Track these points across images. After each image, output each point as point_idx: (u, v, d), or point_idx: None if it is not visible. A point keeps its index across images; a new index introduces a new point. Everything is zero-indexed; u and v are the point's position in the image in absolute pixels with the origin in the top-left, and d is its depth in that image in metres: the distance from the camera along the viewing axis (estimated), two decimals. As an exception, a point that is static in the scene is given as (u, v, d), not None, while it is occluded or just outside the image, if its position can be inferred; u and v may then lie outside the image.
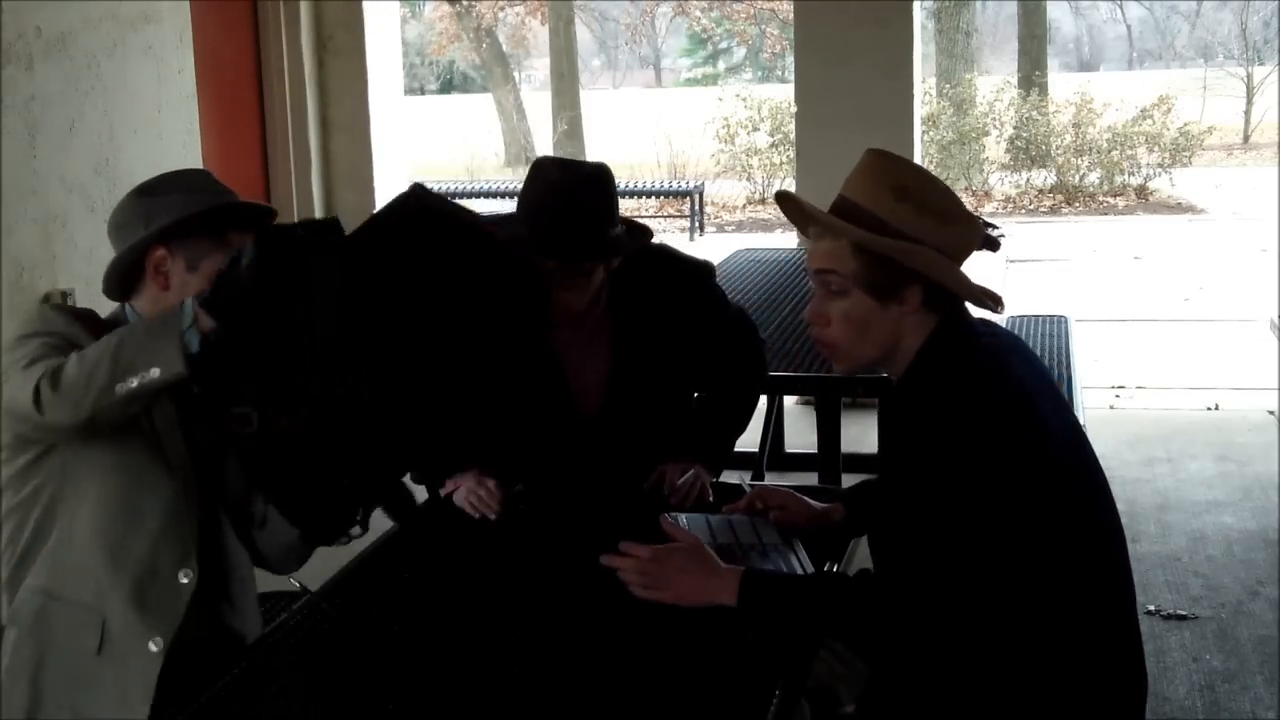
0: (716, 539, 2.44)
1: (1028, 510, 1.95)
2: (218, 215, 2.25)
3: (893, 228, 2.02)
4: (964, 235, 2.07)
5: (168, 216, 2.24)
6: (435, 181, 14.68)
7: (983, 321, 2.14)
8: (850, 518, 2.46)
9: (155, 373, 2.03)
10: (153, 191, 2.31)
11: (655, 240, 2.82)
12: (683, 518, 2.51)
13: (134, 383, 2.03)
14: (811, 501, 2.48)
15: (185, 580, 2.23)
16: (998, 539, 1.94)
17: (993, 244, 2.14)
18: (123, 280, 2.34)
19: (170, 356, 2.02)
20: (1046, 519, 1.97)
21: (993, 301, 2.09)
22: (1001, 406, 1.98)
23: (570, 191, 2.58)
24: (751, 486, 2.58)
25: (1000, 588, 1.96)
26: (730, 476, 2.91)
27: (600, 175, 2.63)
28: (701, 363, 2.87)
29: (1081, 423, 3.95)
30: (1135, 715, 2.11)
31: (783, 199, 2.18)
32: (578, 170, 2.64)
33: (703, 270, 2.88)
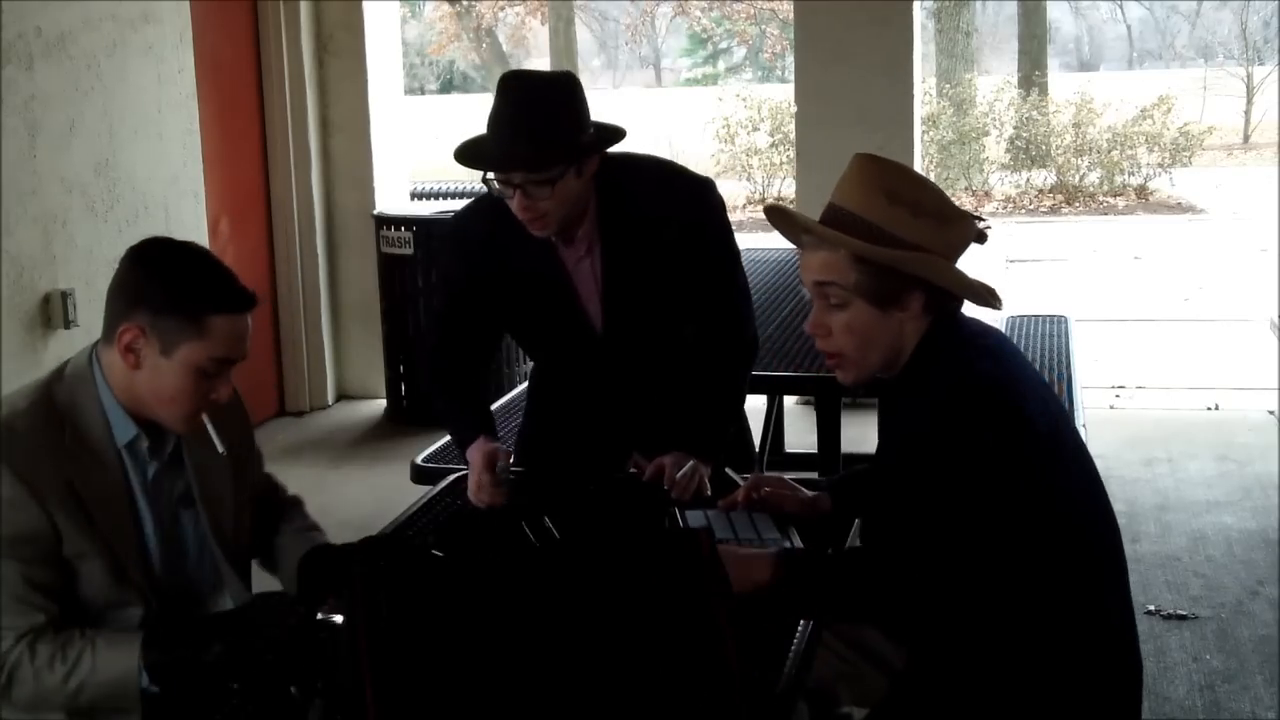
0: (716, 534, 2.44)
1: (1013, 496, 1.95)
2: (197, 295, 2.09)
3: (890, 234, 2.00)
4: (960, 234, 2.07)
5: (150, 290, 2.10)
6: (435, 181, 14.67)
7: (974, 321, 2.15)
8: (836, 508, 2.47)
9: (110, 704, 2.03)
10: (146, 264, 2.15)
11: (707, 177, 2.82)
12: (683, 512, 2.52)
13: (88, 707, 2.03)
14: (802, 490, 2.49)
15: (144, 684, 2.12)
16: (982, 519, 1.95)
17: (981, 237, 2.14)
18: (104, 331, 2.18)
19: (126, 698, 2.01)
20: (1030, 503, 1.97)
21: (992, 298, 2.09)
22: (992, 397, 1.98)
23: (523, 101, 2.55)
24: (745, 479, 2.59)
25: (988, 574, 1.97)
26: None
27: (556, 82, 2.61)
28: (694, 281, 2.79)
29: (1081, 423, 3.98)
30: (1131, 705, 2.12)
31: (773, 212, 2.15)
32: (532, 79, 2.65)
33: (696, 182, 2.81)
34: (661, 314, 2.80)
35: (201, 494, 2.24)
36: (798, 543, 2.41)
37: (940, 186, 2.10)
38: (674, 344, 2.85)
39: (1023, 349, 4.93)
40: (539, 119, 2.54)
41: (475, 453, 2.69)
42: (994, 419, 1.95)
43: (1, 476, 2.02)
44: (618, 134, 2.68)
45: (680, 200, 2.75)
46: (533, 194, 2.55)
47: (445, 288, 2.87)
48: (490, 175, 2.59)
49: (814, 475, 4.21)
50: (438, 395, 2.87)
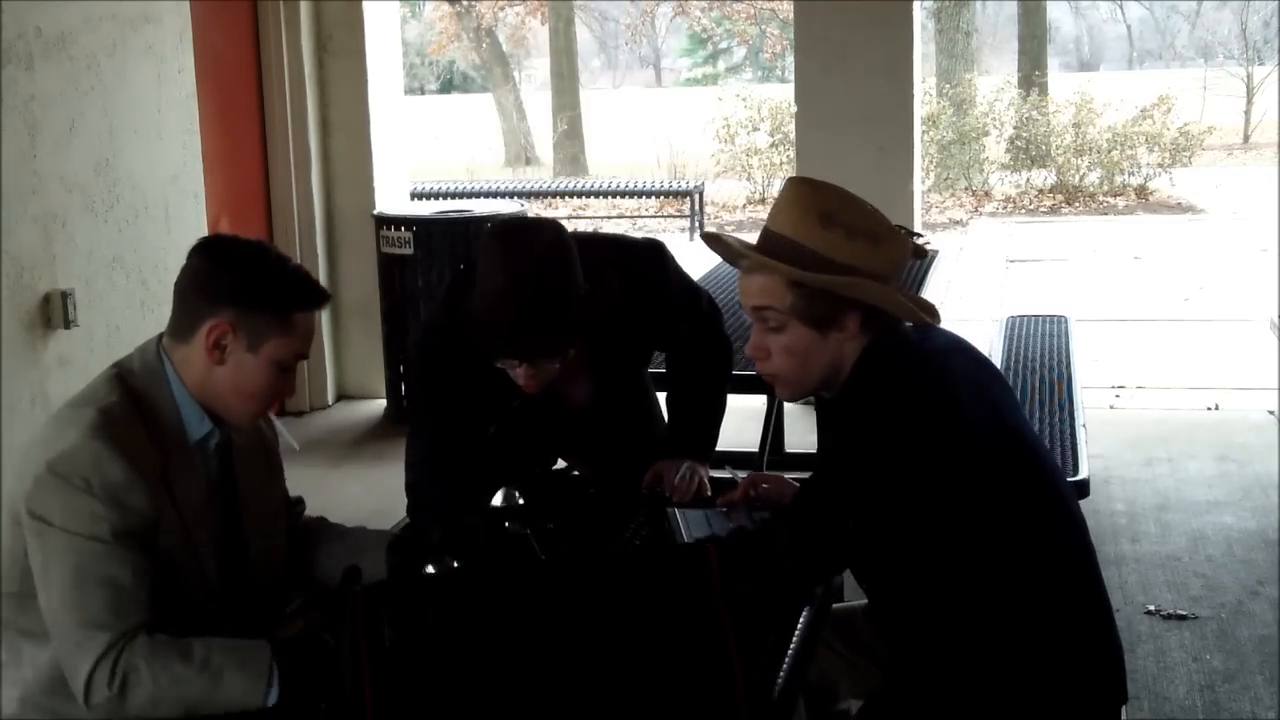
0: (716, 534, 2.45)
1: (942, 503, 1.99)
2: (285, 292, 2.12)
3: (824, 258, 2.03)
4: (895, 253, 2.09)
5: (236, 287, 2.10)
6: (435, 181, 14.67)
7: (917, 332, 2.15)
8: None
9: (225, 711, 1.99)
10: (228, 262, 2.15)
11: (654, 239, 2.83)
12: (684, 514, 2.52)
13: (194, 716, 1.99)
14: (793, 484, 2.49)
15: None
16: (905, 526, 2.00)
17: (920, 253, 2.16)
18: (178, 327, 2.15)
19: (246, 709, 1.98)
20: (963, 506, 2.00)
21: (930, 315, 2.11)
22: (917, 411, 1.99)
23: (527, 284, 2.43)
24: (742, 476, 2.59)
25: (926, 577, 2.03)
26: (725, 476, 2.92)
27: (552, 251, 2.47)
28: (661, 337, 2.89)
29: (1081, 423, 3.97)
30: (1115, 692, 2.13)
31: (710, 239, 2.19)
32: (532, 250, 2.46)
33: (646, 255, 2.81)
34: (638, 369, 2.90)
35: (247, 492, 2.24)
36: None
37: (875, 206, 2.12)
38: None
39: (1023, 349, 4.94)
40: (546, 304, 2.44)
41: None
42: (917, 433, 1.97)
43: (115, 462, 2.00)
44: (610, 290, 2.61)
45: (641, 282, 2.73)
46: (541, 368, 2.54)
47: (432, 407, 2.75)
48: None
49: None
50: (426, 474, 2.75)
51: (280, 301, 2.11)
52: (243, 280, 2.11)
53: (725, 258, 2.19)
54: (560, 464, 3.17)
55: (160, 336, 2.18)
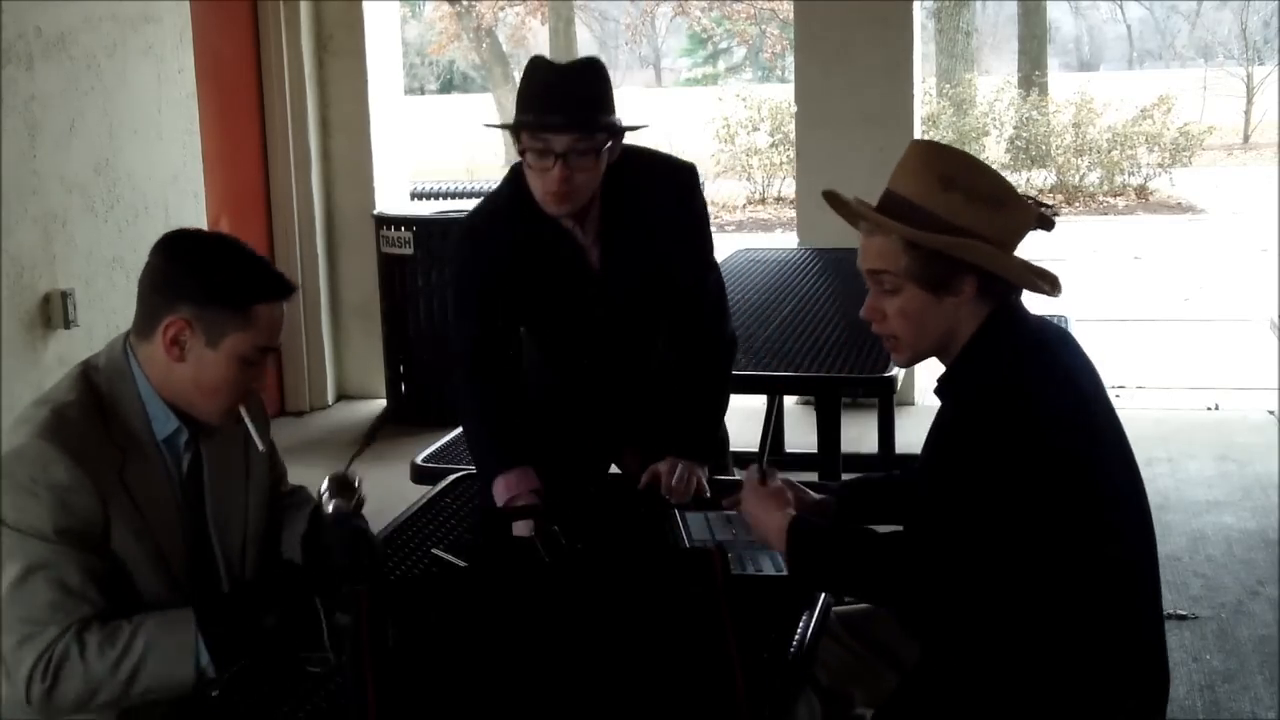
0: (716, 536, 2.44)
1: (1057, 505, 1.95)
2: (242, 285, 2.11)
3: (943, 220, 2.00)
4: (1017, 219, 2.05)
5: (193, 282, 2.09)
6: (435, 181, 14.66)
7: (1033, 318, 2.14)
8: (840, 515, 2.44)
9: (168, 694, 2.00)
10: (185, 257, 2.15)
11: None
12: (685, 516, 2.51)
13: (142, 699, 2.00)
14: (806, 491, 2.46)
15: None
16: (1024, 531, 1.94)
17: (1046, 223, 2.13)
18: (140, 325, 2.15)
19: (183, 683, 1.99)
20: (1074, 515, 1.96)
21: (1048, 284, 2.08)
22: (1046, 398, 1.98)
23: (568, 73, 2.63)
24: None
25: (1023, 573, 1.97)
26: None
27: (593, 62, 2.68)
28: (680, 264, 2.86)
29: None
30: (1156, 712, 2.11)
31: (832, 198, 2.16)
32: (571, 61, 2.71)
33: (682, 170, 2.88)
34: (653, 300, 2.85)
35: (213, 491, 2.22)
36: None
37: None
38: (663, 331, 2.91)
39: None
40: (584, 87, 2.60)
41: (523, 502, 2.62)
42: (1015, 426, 1.95)
43: (60, 463, 2.00)
44: (639, 124, 2.74)
45: (669, 189, 2.82)
46: (575, 163, 2.57)
47: (470, 287, 2.81)
48: (526, 146, 2.60)
49: (814, 476, 4.22)
50: (473, 406, 2.79)
51: (238, 295, 2.09)
52: (199, 275, 2.09)
53: (845, 218, 2.17)
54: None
55: (128, 333, 2.17)
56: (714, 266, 2.95)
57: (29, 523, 1.99)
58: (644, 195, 2.76)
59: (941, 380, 2.12)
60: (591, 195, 2.68)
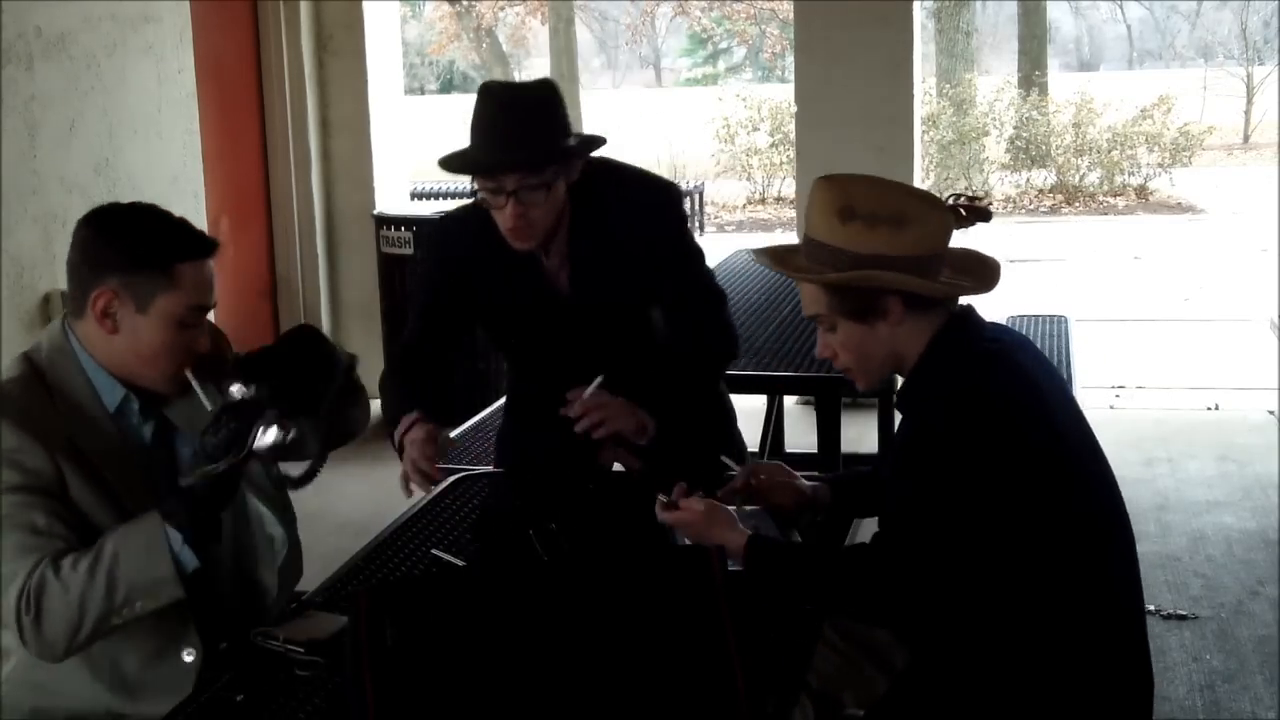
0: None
1: (1029, 507, 1.98)
2: (161, 246, 2.13)
3: (850, 253, 2.06)
4: (925, 229, 2.08)
5: (114, 252, 2.13)
6: (435, 181, 14.66)
7: (993, 325, 2.18)
8: (836, 502, 2.48)
9: (154, 600, 2.03)
10: (104, 229, 2.17)
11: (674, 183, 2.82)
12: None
13: (131, 611, 2.02)
14: (801, 481, 2.49)
15: (189, 659, 2.15)
16: (995, 534, 1.98)
17: (981, 215, 2.15)
18: (73, 304, 2.19)
19: (169, 587, 2.02)
20: (1047, 516, 1.99)
21: (973, 283, 2.12)
22: (1007, 402, 2.01)
23: (513, 105, 2.55)
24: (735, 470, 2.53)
25: (996, 576, 2.00)
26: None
27: (542, 88, 2.60)
28: (659, 285, 2.77)
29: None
30: (1142, 714, 2.12)
31: (758, 255, 2.24)
32: (519, 87, 2.63)
33: (663, 188, 2.80)
34: (629, 322, 2.79)
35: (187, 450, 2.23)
36: (797, 538, 2.41)
37: (919, 184, 2.13)
38: (642, 343, 2.83)
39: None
40: (530, 122, 2.53)
41: (417, 427, 2.59)
42: (978, 431, 1.99)
43: (6, 427, 2.04)
44: (598, 140, 2.68)
45: (643, 208, 2.73)
46: (526, 200, 2.53)
47: (426, 284, 2.83)
48: (479, 185, 2.56)
49: (815, 475, 4.23)
50: (398, 376, 2.79)
51: (158, 256, 2.11)
52: (118, 243, 2.12)
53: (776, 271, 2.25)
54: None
55: (65, 314, 2.20)
56: (705, 286, 2.83)
57: None
58: (615, 214, 2.69)
59: (900, 394, 2.16)
60: (557, 222, 2.64)
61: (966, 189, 15.45)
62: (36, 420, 2.08)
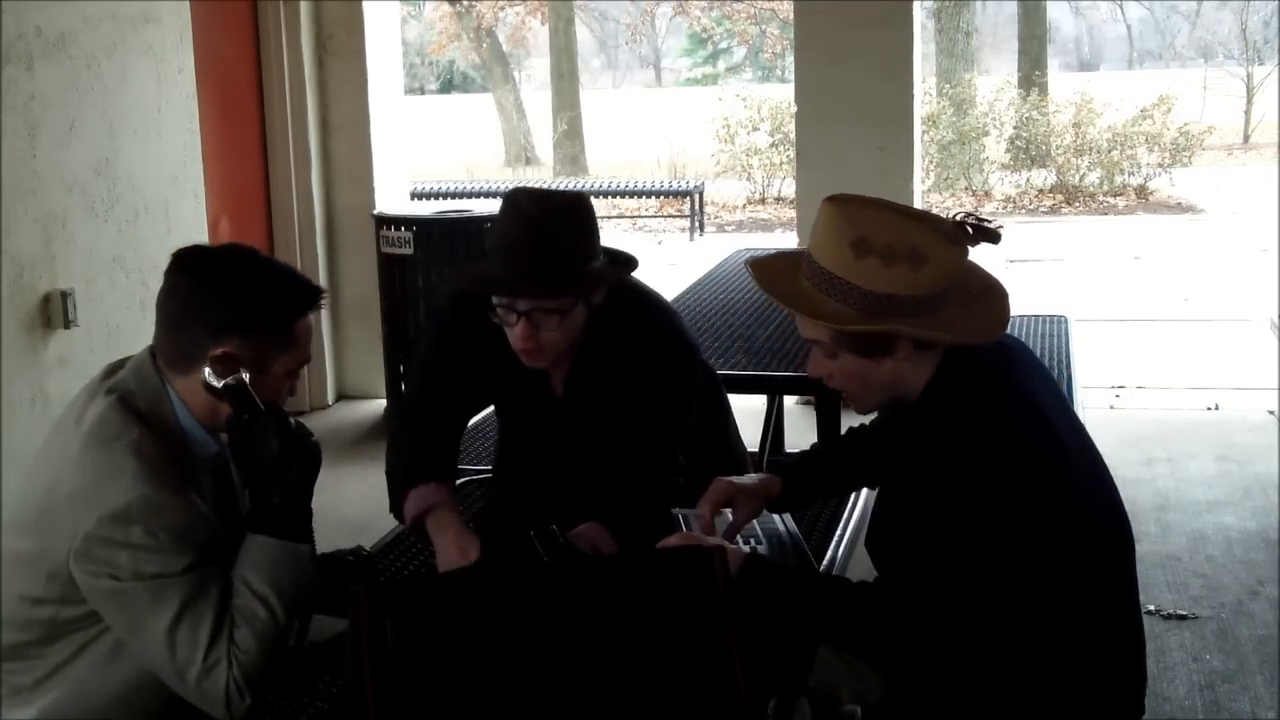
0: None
1: (1038, 535, 1.96)
2: (282, 306, 2.09)
3: (864, 290, 1.97)
4: (942, 266, 2.01)
5: (233, 311, 2.07)
6: (435, 181, 14.66)
7: (987, 351, 2.10)
8: (788, 490, 2.44)
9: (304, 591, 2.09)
10: (217, 283, 2.11)
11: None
12: (685, 515, 2.51)
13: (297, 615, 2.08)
14: (747, 482, 2.41)
15: None
16: (1004, 557, 1.96)
17: (990, 237, 2.09)
18: (177, 357, 2.13)
19: (308, 577, 2.08)
20: (1053, 539, 1.97)
21: (986, 329, 2.05)
22: (1016, 429, 1.98)
23: (537, 225, 2.41)
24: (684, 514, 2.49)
25: (1002, 597, 1.98)
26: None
27: (571, 206, 2.46)
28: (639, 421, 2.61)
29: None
30: (1133, 711, 2.13)
31: (751, 268, 2.15)
32: (547, 203, 2.45)
33: (680, 351, 2.63)
34: (618, 433, 2.60)
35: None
36: (792, 527, 2.46)
37: (922, 207, 2.07)
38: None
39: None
40: (553, 247, 2.40)
41: (444, 516, 2.46)
42: (988, 461, 1.95)
43: (170, 505, 2.00)
44: (629, 263, 2.56)
45: (655, 364, 2.58)
46: (539, 322, 2.42)
47: (428, 353, 2.73)
48: (494, 301, 2.45)
49: (758, 468, 4.23)
50: (407, 436, 2.65)
51: (279, 318, 2.08)
52: (237, 303, 2.07)
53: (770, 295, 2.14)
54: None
55: (153, 353, 2.14)
56: (667, 448, 2.63)
57: (156, 568, 1.98)
58: (625, 357, 2.54)
59: (906, 419, 2.10)
60: (572, 345, 2.51)
61: (966, 189, 15.48)
62: (181, 478, 2.04)
